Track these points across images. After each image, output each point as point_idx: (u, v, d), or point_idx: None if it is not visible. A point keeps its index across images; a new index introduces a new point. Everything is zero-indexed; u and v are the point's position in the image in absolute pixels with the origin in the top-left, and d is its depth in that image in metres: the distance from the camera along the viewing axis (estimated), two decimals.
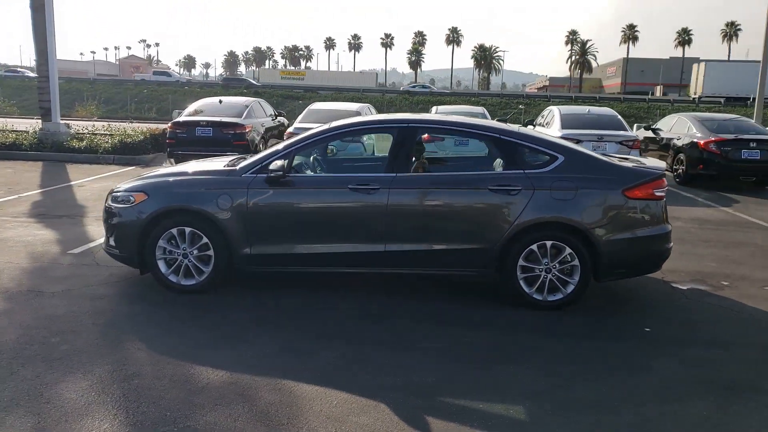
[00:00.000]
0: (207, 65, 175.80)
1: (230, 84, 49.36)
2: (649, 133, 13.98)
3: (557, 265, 4.73)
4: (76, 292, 5.03)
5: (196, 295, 4.98)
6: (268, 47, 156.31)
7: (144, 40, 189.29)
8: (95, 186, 10.49)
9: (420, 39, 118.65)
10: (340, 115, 13.30)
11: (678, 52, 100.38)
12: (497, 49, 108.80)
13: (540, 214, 4.67)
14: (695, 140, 11.95)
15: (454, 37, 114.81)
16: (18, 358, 3.74)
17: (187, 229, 4.96)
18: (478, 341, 4.21)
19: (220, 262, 4.96)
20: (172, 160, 13.18)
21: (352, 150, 6.20)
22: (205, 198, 4.94)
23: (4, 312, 4.57)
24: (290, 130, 12.45)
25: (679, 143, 12.46)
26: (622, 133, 11.78)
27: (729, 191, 11.36)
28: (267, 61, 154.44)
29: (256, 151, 13.79)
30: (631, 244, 4.72)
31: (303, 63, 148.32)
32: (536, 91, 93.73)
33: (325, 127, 5.14)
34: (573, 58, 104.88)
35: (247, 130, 12.93)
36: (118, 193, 5.22)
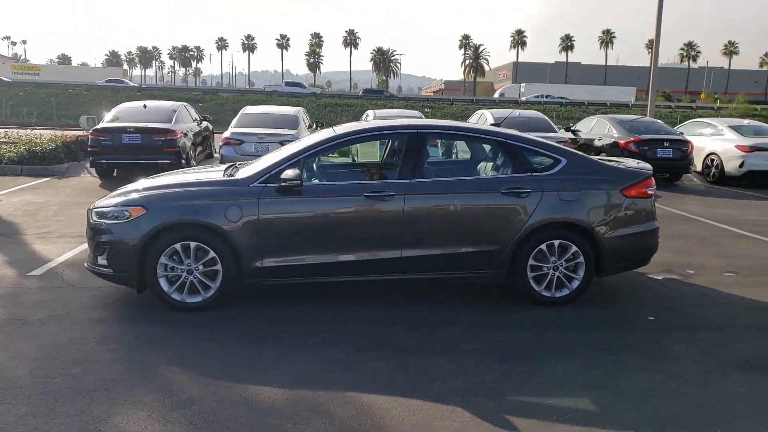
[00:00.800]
0: (84, 65, 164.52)
1: None
2: (569, 135, 14.94)
3: (563, 263, 5.00)
4: (67, 318, 4.63)
5: (197, 312, 4.73)
6: (155, 47, 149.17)
7: (8, 37, 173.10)
8: (14, 200, 9.57)
9: (317, 41, 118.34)
10: (276, 119, 13.10)
11: (562, 57, 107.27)
12: (394, 53, 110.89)
13: (549, 215, 4.91)
14: (615, 140, 12.94)
15: (351, 40, 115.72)
16: (47, 394, 3.40)
17: (192, 244, 4.72)
18: (512, 340, 4.36)
19: (228, 276, 4.76)
20: (94, 170, 12.42)
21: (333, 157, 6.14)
22: (212, 210, 4.72)
23: None
24: (227, 135, 12.02)
25: (600, 144, 13.42)
26: (552, 134, 12.52)
27: None
28: (154, 62, 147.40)
29: (188, 159, 13.25)
30: (629, 240, 5.09)
31: (194, 64, 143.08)
32: (432, 94, 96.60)
33: (334, 133, 5.08)
34: (467, 62, 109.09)
35: (178, 137, 12.35)
36: (107, 209, 4.86)
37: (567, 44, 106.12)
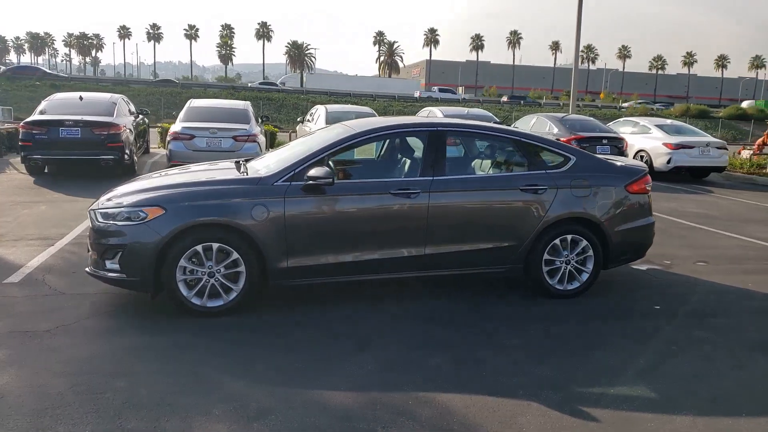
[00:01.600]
0: None
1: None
2: None
3: (575, 257, 5.22)
4: (77, 329, 4.28)
5: (216, 318, 4.52)
6: (47, 33, 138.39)
7: None
8: None
9: (228, 32, 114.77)
10: (226, 113, 12.63)
11: (473, 56, 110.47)
12: (309, 46, 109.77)
13: (563, 211, 5.10)
14: (557, 138, 13.55)
15: (264, 32, 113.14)
16: (104, 411, 3.14)
17: (215, 245, 4.50)
18: (545, 333, 4.50)
19: (252, 278, 4.59)
20: (24, 166, 11.44)
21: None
22: (236, 210, 4.52)
23: (14, 361, 3.74)
24: (177, 130, 11.45)
25: None
26: None
27: None
28: (47, 49, 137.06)
29: (131, 155, 12.47)
30: (632, 233, 5.39)
31: (93, 52, 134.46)
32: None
33: (357, 130, 4.99)
34: (381, 58, 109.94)
35: (122, 131, 11.63)
36: (117, 210, 4.53)
37: (477, 44, 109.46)
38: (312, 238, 4.66)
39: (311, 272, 4.73)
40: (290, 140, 16.21)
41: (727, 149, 14.59)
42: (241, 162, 5.48)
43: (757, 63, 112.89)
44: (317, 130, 6.32)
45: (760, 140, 23.31)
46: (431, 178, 4.88)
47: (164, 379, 3.56)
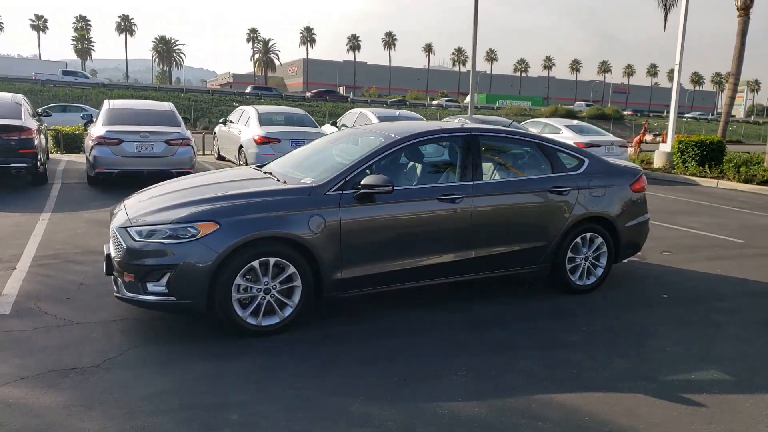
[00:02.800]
0: None
1: None
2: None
3: (591, 253, 5.56)
4: (129, 359, 3.86)
5: (267, 338, 4.29)
6: None
7: None
8: None
9: (83, 24, 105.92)
10: (152, 115, 11.76)
11: (350, 56, 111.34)
12: (177, 42, 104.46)
13: (584, 210, 5.41)
14: None
15: (125, 26, 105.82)
16: None
17: (272, 260, 4.25)
18: (596, 327, 4.75)
19: (307, 292, 4.40)
20: None
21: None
22: (295, 221, 4.30)
23: (90, 404, 3.29)
24: (101, 134, 10.48)
25: None
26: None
27: None
28: None
29: (43, 163, 11.16)
30: (635, 229, 5.84)
31: None
32: (220, 87, 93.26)
33: (399, 136, 4.92)
34: (257, 56, 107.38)
35: (34, 135, 10.43)
36: (159, 227, 4.13)
37: (354, 44, 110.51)
38: (365, 247, 4.56)
39: (363, 282, 4.62)
40: (213, 141, 15.28)
41: (626, 147, 16.10)
42: (256, 167, 5.21)
43: (604, 68, 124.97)
44: (337, 134, 6.14)
45: (637, 138, 25.94)
46: (472, 183, 4.96)
47: (276, 407, 3.32)
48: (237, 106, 16.76)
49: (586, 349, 4.29)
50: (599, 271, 5.63)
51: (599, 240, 5.57)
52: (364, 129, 5.71)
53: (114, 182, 10.75)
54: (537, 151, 5.50)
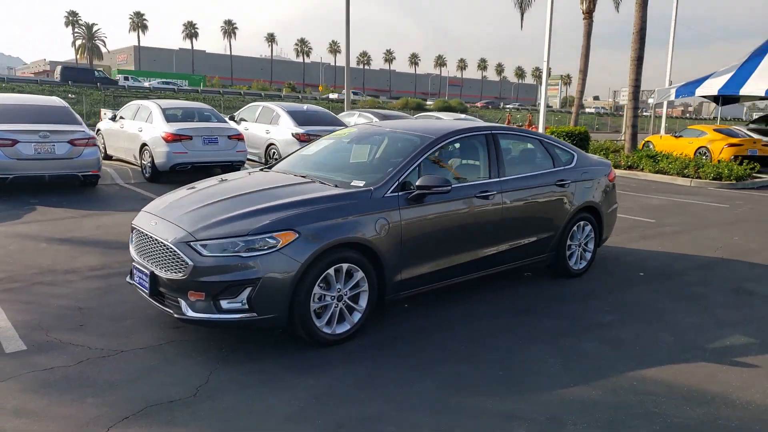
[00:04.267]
0: None
1: None
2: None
3: (584, 240, 6.11)
4: (224, 385, 3.57)
5: (346, 342, 4.24)
6: None
7: None
8: None
9: None
10: (43, 112, 10.40)
11: (187, 44, 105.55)
12: None
13: (581, 201, 5.92)
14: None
15: None
16: None
17: (345, 266, 4.15)
18: (616, 306, 5.25)
19: (373, 296, 4.35)
20: None
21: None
22: (365, 226, 4.22)
23: None
24: None
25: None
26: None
27: None
28: None
29: None
30: (611, 216, 6.51)
31: None
32: (33, 75, 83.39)
33: (435, 135, 4.97)
34: (79, 42, 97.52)
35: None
36: (229, 239, 3.83)
37: (191, 32, 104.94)
38: (420, 247, 4.60)
39: (419, 282, 4.67)
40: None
41: None
42: (265, 170, 5.11)
43: (440, 62, 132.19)
44: (343, 133, 5.99)
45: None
46: (499, 179, 5.20)
47: (420, 413, 3.30)
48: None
49: (626, 328, 4.75)
50: (588, 255, 6.20)
51: (589, 227, 6.13)
52: (383, 128, 5.67)
53: (7, 188, 9.39)
54: (540, 147, 5.89)
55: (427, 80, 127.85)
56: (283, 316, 3.91)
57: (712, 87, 20.84)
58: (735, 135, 18.20)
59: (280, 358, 3.97)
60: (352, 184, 4.57)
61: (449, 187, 4.55)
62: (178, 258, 3.88)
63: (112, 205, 9.11)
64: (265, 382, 3.62)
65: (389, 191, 4.47)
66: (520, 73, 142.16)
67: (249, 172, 5.44)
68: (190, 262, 3.82)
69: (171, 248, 3.94)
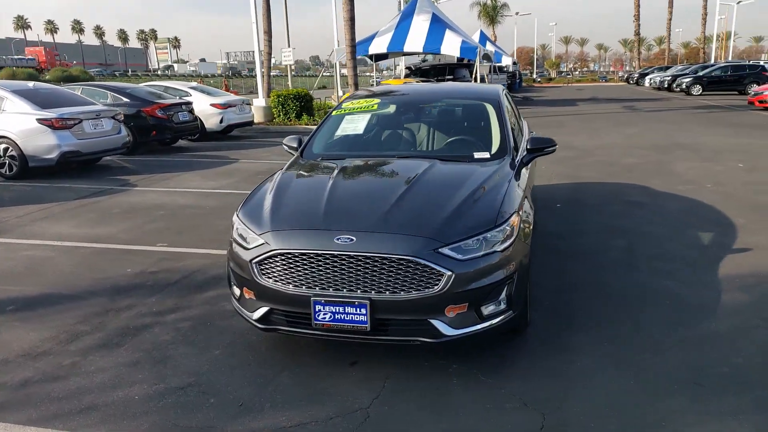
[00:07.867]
0: None
1: None
2: None
3: None
4: (386, 401, 3.05)
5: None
6: None
7: None
8: None
9: None
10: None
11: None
12: None
13: None
14: (139, 109, 11.97)
15: None
16: None
17: None
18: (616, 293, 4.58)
19: None
20: None
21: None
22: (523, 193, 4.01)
23: None
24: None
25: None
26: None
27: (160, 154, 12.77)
28: None
29: None
30: None
31: None
32: None
33: (499, 97, 5.00)
34: None
35: None
36: (482, 234, 3.22)
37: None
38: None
39: None
40: None
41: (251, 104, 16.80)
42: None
43: (21, 24, 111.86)
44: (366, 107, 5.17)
45: None
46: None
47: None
48: None
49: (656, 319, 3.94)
50: None
51: None
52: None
53: None
54: None
55: (8, 45, 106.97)
56: (524, 310, 3.56)
57: (381, 45, 23.81)
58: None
59: (414, 360, 3.31)
60: (476, 157, 4.27)
61: (555, 145, 4.65)
62: (428, 270, 3.11)
63: None
64: (434, 390, 3.10)
65: (516, 158, 4.38)
66: (123, 36, 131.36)
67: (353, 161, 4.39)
68: (448, 272, 3.12)
69: (415, 261, 3.10)
